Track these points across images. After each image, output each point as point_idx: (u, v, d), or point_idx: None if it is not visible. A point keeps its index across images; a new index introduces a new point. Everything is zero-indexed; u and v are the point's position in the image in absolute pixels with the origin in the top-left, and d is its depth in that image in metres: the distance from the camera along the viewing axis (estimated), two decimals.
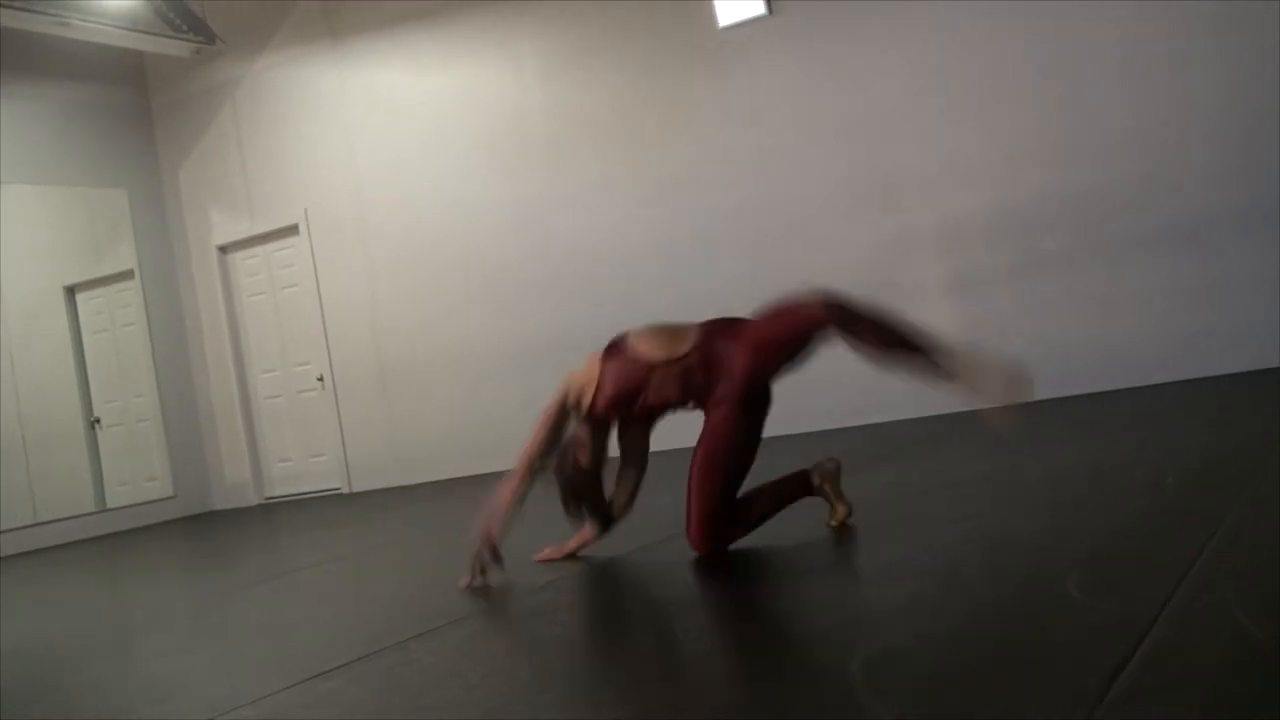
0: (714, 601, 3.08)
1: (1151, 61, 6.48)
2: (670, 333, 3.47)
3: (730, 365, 3.33)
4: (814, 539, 3.46)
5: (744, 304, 6.87)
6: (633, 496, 3.68)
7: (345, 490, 9.29)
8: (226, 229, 9.86)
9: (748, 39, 7.59)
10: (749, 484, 3.43)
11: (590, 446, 3.51)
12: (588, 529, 3.68)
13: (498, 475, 3.64)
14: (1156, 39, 6.45)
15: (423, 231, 8.90)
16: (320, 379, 9.41)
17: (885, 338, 3.28)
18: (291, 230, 9.50)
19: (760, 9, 7.46)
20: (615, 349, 3.50)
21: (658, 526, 3.88)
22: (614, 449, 3.64)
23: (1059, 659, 2.01)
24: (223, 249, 9.91)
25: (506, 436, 9.06)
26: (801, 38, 7.43)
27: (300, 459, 9.66)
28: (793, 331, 3.38)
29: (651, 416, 3.56)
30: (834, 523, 3.48)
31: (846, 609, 2.65)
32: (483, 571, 3.45)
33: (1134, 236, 6.55)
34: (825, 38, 7.36)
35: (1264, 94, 6.18)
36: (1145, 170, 6.52)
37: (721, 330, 3.45)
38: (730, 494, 3.35)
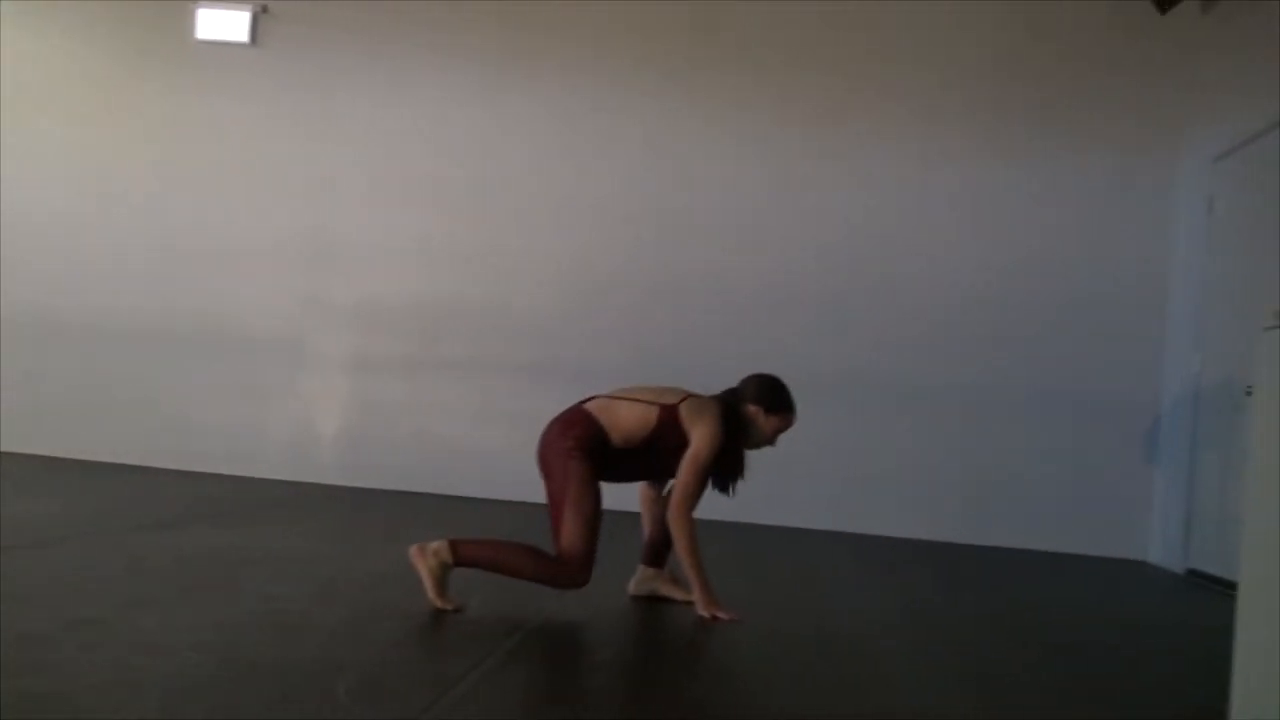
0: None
1: (583, 201, 7.11)
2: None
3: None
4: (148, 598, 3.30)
5: (159, 321, 6.32)
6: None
7: None
8: None
9: (228, 62, 7.35)
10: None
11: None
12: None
13: None
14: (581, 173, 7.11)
15: None
16: None
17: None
18: None
19: (244, 37, 7.26)
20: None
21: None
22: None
23: None
24: None
25: None
26: (278, 81, 7.33)
27: None
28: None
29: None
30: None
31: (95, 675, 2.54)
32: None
33: (521, 359, 7.05)
34: (300, 87, 7.31)
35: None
36: (548, 304, 7.07)
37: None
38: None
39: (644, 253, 7.01)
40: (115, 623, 3.00)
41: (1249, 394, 4.89)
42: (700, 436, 3.69)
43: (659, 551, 4.05)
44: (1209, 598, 5.28)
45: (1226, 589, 5.23)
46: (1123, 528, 6.64)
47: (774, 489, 6.81)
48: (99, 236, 7.41)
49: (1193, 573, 5.95)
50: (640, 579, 4.05)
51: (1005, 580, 5.49)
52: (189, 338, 7.29)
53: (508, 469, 6.92)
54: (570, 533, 3.52)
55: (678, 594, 4.00)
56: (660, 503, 4.02)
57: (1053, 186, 6.83)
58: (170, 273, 7.35)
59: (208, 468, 7.13)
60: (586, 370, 6.87)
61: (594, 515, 3.56)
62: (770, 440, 3.92)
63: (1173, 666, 3.68)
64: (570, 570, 3.51)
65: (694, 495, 3.72)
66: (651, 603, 3.97)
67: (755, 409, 3.85)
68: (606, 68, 7.13)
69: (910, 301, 6.87)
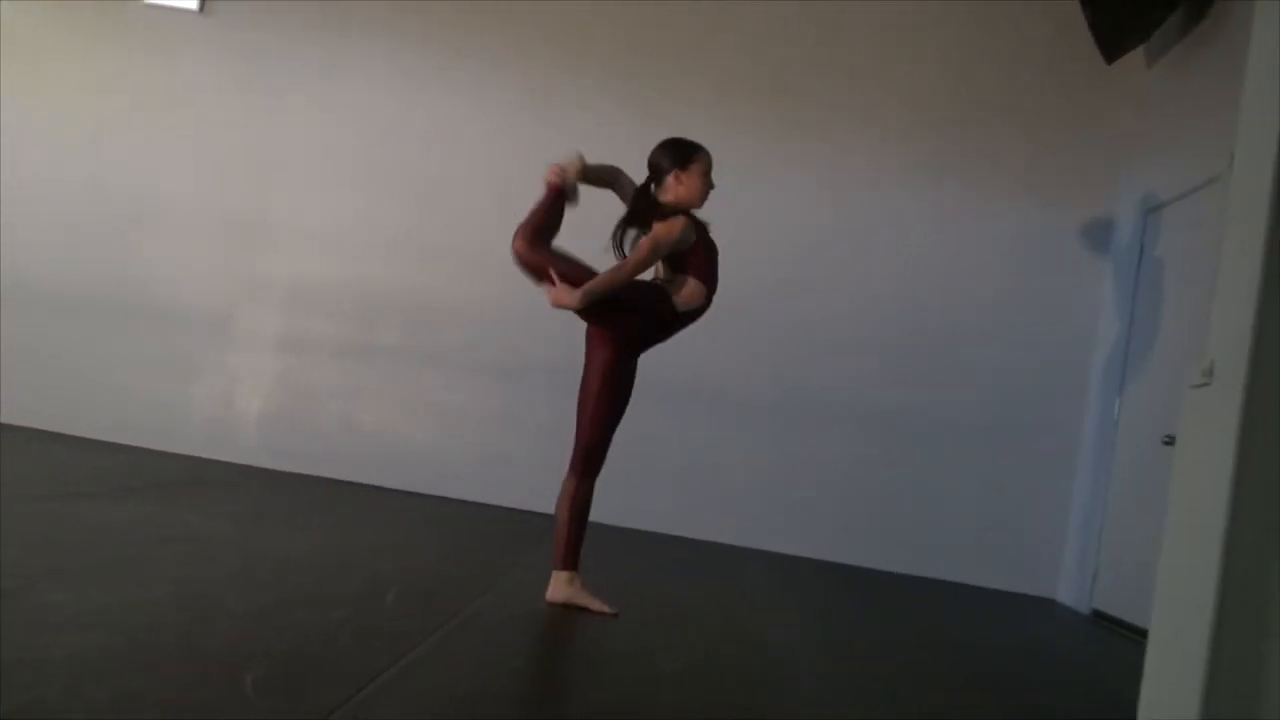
0: None
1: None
2: None
3: None
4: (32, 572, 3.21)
5: (86, 287, 6.13)
6: None
7: None
8: None
9: (175, 28, 7.20)
10: None
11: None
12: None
13: None
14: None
15: None
16: None
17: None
18: None
19: (192, 4, 7.13)
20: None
21: None
22: None
23: None
24: None
25: None
26: (225, 51, 7.20)
27: None
28: None
29: None
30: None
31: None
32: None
33: (455, 353, 6.99)
34: (247, 60, 7.19)
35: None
36: (487, 296, 6.99)
37: None
38: None
39: (584, 252, 6.98)
40: (21, 597, 2.92)
41: (1166, 443, 5.01)
42: (658, 229, 4.02)
43: (569, 551, 4.00)
44: (1111, 639, 5.39)
45: (1129, 632, 5.35)
46: (1034, 565, 6.75)
47: (692, 504, 6.83)
48: (33, 200, 7.19)
49: (1097, 614, 6.07)
50: (555, 584, 4.03)
51: (915, 607, 5.57)
52: (117, 306, 7.11)
53: (433, 463, 6.89)
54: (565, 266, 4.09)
55: (594, 605, 3.98)
56: (566, 498, 4.01)
57: (986, 225, 6.92)
58: (103, 240, 7.15)
59: (128, 440, 6.96)
60: (521, 366, 6.85)
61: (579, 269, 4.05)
62: (705, 188, 4.16)
63: (1072, 703, 3.76)
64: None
65: (638, 267, 4.03)
66: (568, 610, 3.95)
67: (674, 178, 4.11)
68: (560, 62, 7.09)
69: (838, 329, 6.92)
